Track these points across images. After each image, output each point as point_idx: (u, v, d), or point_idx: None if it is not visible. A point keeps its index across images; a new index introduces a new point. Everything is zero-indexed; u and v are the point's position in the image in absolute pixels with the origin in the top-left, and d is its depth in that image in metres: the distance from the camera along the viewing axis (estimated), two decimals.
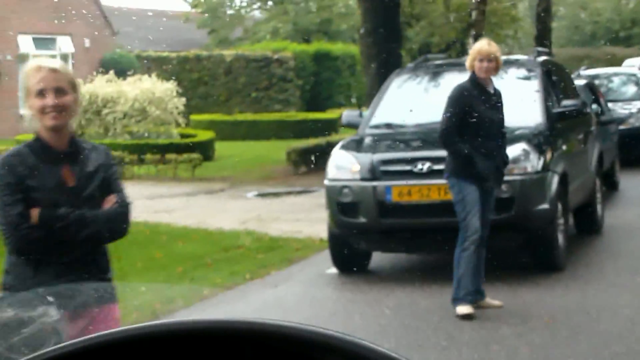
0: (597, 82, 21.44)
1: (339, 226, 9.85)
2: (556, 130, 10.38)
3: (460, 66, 11.78)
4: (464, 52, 23.14)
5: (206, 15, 45.22)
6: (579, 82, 15.89)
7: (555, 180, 9.74)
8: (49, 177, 4.16)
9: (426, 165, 9.47)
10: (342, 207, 9.75)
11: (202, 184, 19.01)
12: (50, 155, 4.23)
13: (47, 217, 4.08)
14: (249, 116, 31.37)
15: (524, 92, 10.61)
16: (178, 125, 24.09)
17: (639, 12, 66.34)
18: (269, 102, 34.09)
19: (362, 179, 9.68)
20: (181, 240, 12.57)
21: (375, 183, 9.58)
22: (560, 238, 9.88)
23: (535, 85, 10.58)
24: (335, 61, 36.06)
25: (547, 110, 10.34)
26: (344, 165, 9.88)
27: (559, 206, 9.90)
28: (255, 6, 47.11)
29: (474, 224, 8.04)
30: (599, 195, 12.19)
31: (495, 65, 8.26)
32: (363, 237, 9.80)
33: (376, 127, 10.53)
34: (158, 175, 19.81)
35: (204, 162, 21.16)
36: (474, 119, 8.04)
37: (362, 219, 9.67)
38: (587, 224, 11.89)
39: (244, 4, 46.77)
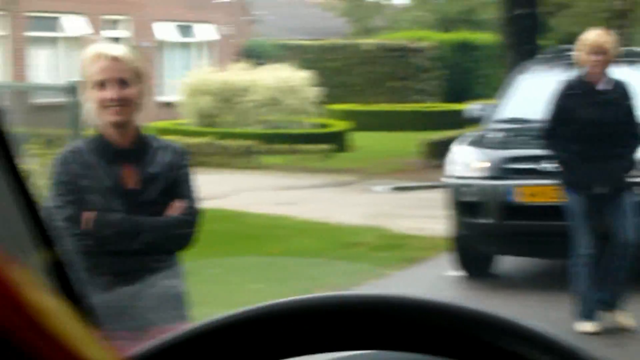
0: None
1: (461, 227, 9.30)
2: None
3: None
4: None
5: (346, 3, 44.88)
6: None
7: None
8: (105, 177, 3.73)
9: (553, 165, 8.82)
10: (464, 206, 9.20)
11: (332, 175, 18.63)
12: (109, 153, 3.79)
13: (98, 222, 3.67)
14: (385, 106, 30.91)
15: None
16: (313, 115, 23.78)
17: None
18: (406, 92, 33.53)
19: (486, 177, 9.10)
20: (300, 235, 12.18)
21: (498, 182, 8.98)
22: None
23: None
24: (476, 51, 35.27)
25: None
26: (467, 162, 9.32)
27: None
28: None
29: (579, 240, 7.38)
30: None
31: (605, 59, 7.37)
32: (486, 239, 9.22)
33: (502, 121, 9.92)
34: (288, 166, 19.51)
35: (337, 153, 20.80)
36: (578, 120, 7.31)
37: (486, 220, 9.10)
38: None
39: None
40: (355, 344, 0.99)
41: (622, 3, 21.82)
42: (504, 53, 18.67)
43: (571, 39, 29.43)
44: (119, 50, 3.89)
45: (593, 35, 7.45)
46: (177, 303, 3.84)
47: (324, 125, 23.49)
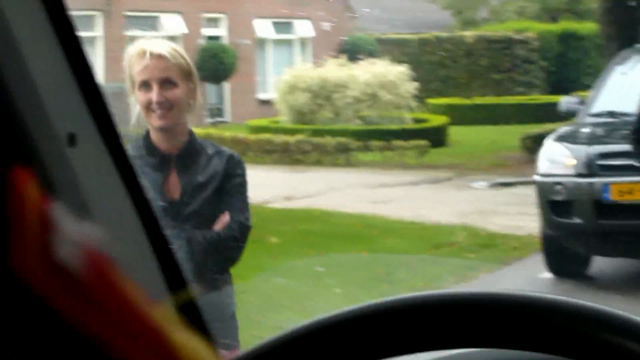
0: None
1: (552, 227, 8.85)
2: None
3: None
4: None
5: None
6: None
7: None
8: (148, 186, 3.36)
9: None
10: (554, 205, 8.75)
11: (429, 171, 18.22)
12: (154, 159, 3.45)
13: None
14: (488, 99, 30.31)
15: None
16: (411, 109, 23.37)
17: None
18: (511, 84, 32.85)
19: (578, 175, 8.65)
20: (390, 235, 11.83)
21: (592, 179, 8.52)
22: None
23: None
24: (583, 41, 34.37)
25: None
26: (557, 159, 8.88)
27: None
28: None
29: None
30: None
31: None
32: (578, 239, 8.76)
33: (597, 115, 9.44)
34: (384, 162, 19.16)
35: (436, 148, 20.38)
36: None
37: (577, 220, 8.64)
38: None
39: None
40: (460, 342, 0.98)
41: None
42: (604, 43, 18.03)
43: None
44: (165, 46, 3.49)
45: None
46: (228, 322, 3.52)
47: (422, 120, 23.07)
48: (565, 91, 31.80)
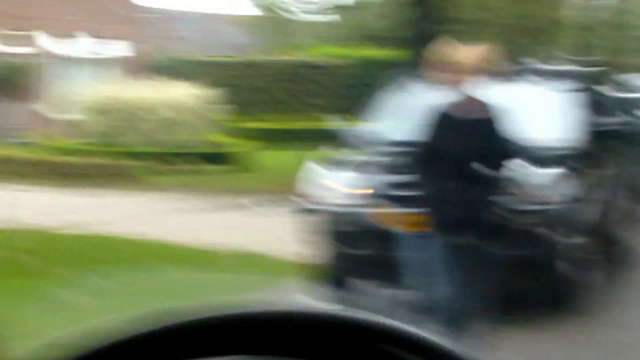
0: None
1: (336, 258, 8.48)
2: (599, 151, 8.90)
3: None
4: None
5: (266, 19, 44.17)
6: None
7: (592, 209, 8.28)
8: None
9: None
10: (341, 236, 8.38)
11: (232, 197, 17.73)
12: None
13: None
14: (302, 123, 30.07)
15: (564, 106, 9.15)
16: (221, 133, 22.89)
17: None
18: (327, 109, 32.74)
19: (365, 205, 8.30)
20: (179, 261, 11.33)
21: (379, 210, 8.18)
22: (593, 276, 8.43)
23: (577, 99, 9.10)
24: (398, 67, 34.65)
25: (590, 128, 8.87)
26: (343, 187, 8.54)
27: (596, 238, 8.44)
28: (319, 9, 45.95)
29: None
30: None
31: (463, 77, 6.18)
32: (367, 270, 8.41)
33: (389, 144, 9.12)
34: (188, 187, 18.58)
35: (242, 173, 19.97)
36: (440, 148, 6.37)
37: (365, 251, 8.30)
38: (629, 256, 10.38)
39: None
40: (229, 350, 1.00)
41: (531, 19, 21.23)
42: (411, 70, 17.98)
43: None
44: None
45: (452, 49, 6.29)
46: None
47: (230, 144, 22.59)
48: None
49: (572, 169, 8.34)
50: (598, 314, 8.41)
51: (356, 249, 8.29)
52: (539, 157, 8.37)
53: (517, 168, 6.16)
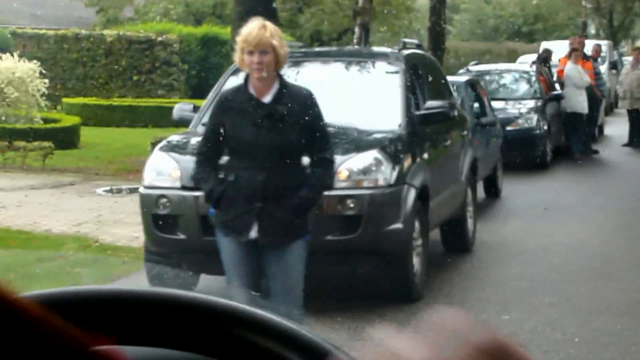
0: (488, 78, 20.21)
1: (155, 243, 8.26)
2: (418, 136, 8.93)
3: (326, 56, 10.29)
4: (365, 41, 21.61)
5: None
6: (461, 79, 14.53)
7: (412, 195, 8.29)
8: None
9: None
10: (158, 220, 8.15)
11: (53, 175, 17.20)
12: None
13: None
14: (126, 101, 29.48)
15: (381, 91, 9.14)
16: (42, 108, 22.14)
17: (542, 8, 65.87)
18: (151, 86, 32.21)
19: (183, 188, 8.09)
20: None
21: (198, 193, 7.98)
22: (417, 263, 8.45)
23: (395, 82, 9.10)
24: (225, 46, 34.34)
25: (408, 112, 8.88)
26: (163, 170, 8.29)
27: (417, 225, 8.46)
28: None
29: None
30: (470, 208, 10.79)
31: (271, 60, 5.57)
32: (183, 256, 8.21)
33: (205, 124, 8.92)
34: (5, 164, 17.93)
35: (64, 150, 19.38)
36: (234, 142, 5.71)
37: (182, 236, 8.10)
38: (455, 242, 10.50)
39: None
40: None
41: (362, 0, 21.32)
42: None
43: (320, 36, 29.09)
44: None
45: (254, 28, 5.66)
46: None
47: (52, 121, 21.91)
48: (206, 95, 31.67)
49: (394, 153, 8.32)
50: (434, 300, 8.45)
51: (175, 235, 8.09)
52: (359, 142, 8.33)
53: (328, 155, 5.82)
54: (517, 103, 18.87)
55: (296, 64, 9.66)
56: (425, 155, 8.90)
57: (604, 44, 36.81)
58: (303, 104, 5.69)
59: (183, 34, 33.80)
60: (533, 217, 12.83)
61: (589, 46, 24.72)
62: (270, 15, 18.04)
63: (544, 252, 10.60)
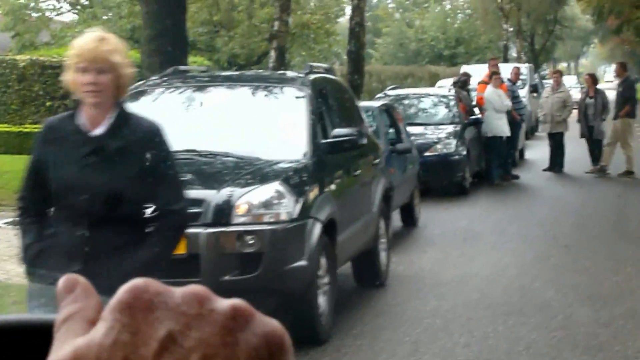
0: (406, 102, 19.82)
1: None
2: (324, 166, 8.38)
3: (229, 81, 9.72)
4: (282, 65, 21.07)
5: (8, 17, 42.13)
6: (375, 104, 14.04)
7: (317, 229, 7.73)
8: None
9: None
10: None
11: None
12: None
13: None
14: (39, 127, 28.54)
15: (286, 118, 8.60)
16: None
17: (463, 31, 66.05)
18: (65, 112, 31.29)
19: None
20: None
21: None
22: (323, 302, 7.90)
23: (300, 109, 8.56)
24: (141, 70, 33.58)
25: (314, 141, 8.34)
26: None
27: (323, 262, 7.91)
28: (63, 9, 44.28)
29: None
30: (383, 240, 10.27)
31: (110, 82, 4.28)
32: None
33: None
34: None
35: None
36: (54, 183, 4.41)
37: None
38: (368, 277, 9.96)
39: (51, 6, 43.88)
40: None
41: (277, 24, 20.79)
42: (146, 73, 17.10)
43: (237, 60, 28.41)
44: None
45: (88, 41, 4.35)
46: None
47: None
48: None
49: (298, 184, 7.78)
50: (342, 342, 7.90)
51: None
52: (260, 173, 7.77)
53: (177, 207, 4.47)
54: (435, 128, 18.45)
55: (198, 89, 9.10)
56: (333, 186, 8.36)
57: (525, 66, 36.73)
58: (146, 141, 4.40)
59: None
60: (451, 247, 12.37)
61: (508, 69, 24.54)
62: (181, 38, 17.47)
63: (461, 284, 10.11)
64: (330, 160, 8.53)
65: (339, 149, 8.52)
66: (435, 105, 19.69)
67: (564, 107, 21.17)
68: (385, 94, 20.06)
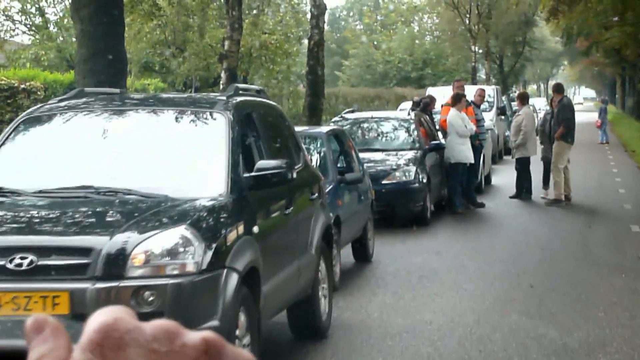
0: (366, 126, 18.68)
1: None
2: (246, 204, 7.17)
3: (140, 105, 8.47)
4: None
5: None
6: (323, 130, 12.82)
7: (233, 281, 6.51)
8: None
9: (27, 260, 6.09)
10: None
11: None
12: None
13: None
14: None
15: (200, 148, 7.40)
16: None
17: (430, 53, 65.09)
18: None
19: None
20: None
21: None
22: None
23: (218, 137, 7.34)
24: None
25: (234, 175, 7.12)
26: None
27: (242, 319, 6.68)
28: (18, 30, 42.99)
29: None
30: (324, 285, 9.05)
31: None
32: None
33: None
34: None
35: None
36: None
37: None
38: (305, 328, 8.73)
39: (6, 27, 42.55)
40: None
41: (228, 43, 19.59)
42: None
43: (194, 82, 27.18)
44: None
45: None
46: None
47: None
48: None
49: (210, 228, 6.56)
50: None
51: None
52: (163, 215, 6.54)
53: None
54: (394, 154, 17.28)
55: (102, 113, 7.86)
56: (256, 228, 7.12)
57: (492, 88, 35.77)
58: None
59: (48, 80, 31.64)
60: (404, 288, 11.17)
61: (472, 91, 23.50)
62: (119, 58, 16.24)
63: (411, 336, 8.89)
64: (255, 197, 7.31)
65: (265, 184, 7.31)
66: (395, 129, 18.52)
67: (518, 132, 20.18)
68: (342, 117, 18.89)
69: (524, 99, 21.00)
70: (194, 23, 31.99)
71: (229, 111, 7.56)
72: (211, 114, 7.57)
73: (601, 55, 69.62)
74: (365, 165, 16.72)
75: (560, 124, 19.13)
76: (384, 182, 16.30)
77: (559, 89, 20.27)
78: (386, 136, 18.43)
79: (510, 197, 20.30)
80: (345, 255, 12.89)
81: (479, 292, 10.82)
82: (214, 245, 6.41)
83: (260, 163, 7.34)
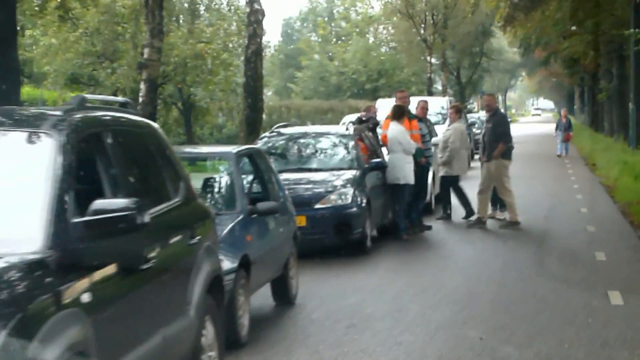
0: (301, 142, 16.73)
1: None
2: (76, 261, 5.14)
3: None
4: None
5: None
6: (231, 150, 10.78)
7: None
8: None
9: None
10: None
11: None
12: None
13: None
14: None
15: (10, 182, 5.37)
16: None
17: (385, 64, 63.35)
18: None
19: None
20: None
21: None
22: None
23: (37, 166, 5.32)
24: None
25: (59, 221, 5.10)
26: None
27: None
28: None
29: None
30: (211, 354, 7.04)
31: None
32: None
33: None
34: None
35: None
36: None
37: None
38: None
39: None
40: None
41: (148, 51, 17.62)
42: None
43: (124, 94, 25.15)
44: None
45: None
46: None
47: None
48: None
49: (12, 300, 4.55)
50: None
51: None
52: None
53: None
54: (330, 174, 15.33)
55: None
56: (86, 296, 5.09)
57: (445, 100, 34.08)
58: None
59: None
60: (328, 342, 9.17)
61: (431, 103, 21.83)
62: (11, 70, 14.27)
63: None
64: (90, 252, 5.28)
65: (104, 233, 5.28)
66: (334, 146, 16.57)
67: (445, 148, 18.47)
68: (277, 132, 16.92)
69: (458, 111, 19.15)
70: (123, 31, 30.04)
71: (61, 131, 5.54)
72: (35, 135, 5.54)
73: (560, 65, 68.28)
74: (299, 186, 14.80)
75: (498, 138, 17.30)
76: (317, 206, 14.38)
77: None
78: (323, 153, 16.48)
79: (462, 219, 18.46)
80: (266, 296, 10.94)
81: (416, 348, 8.85)
82: (11, 326, 4.39)
83: (97, 203, 5.30)
